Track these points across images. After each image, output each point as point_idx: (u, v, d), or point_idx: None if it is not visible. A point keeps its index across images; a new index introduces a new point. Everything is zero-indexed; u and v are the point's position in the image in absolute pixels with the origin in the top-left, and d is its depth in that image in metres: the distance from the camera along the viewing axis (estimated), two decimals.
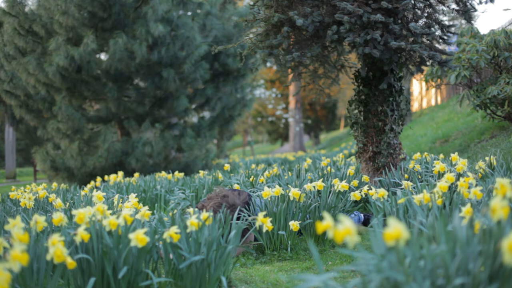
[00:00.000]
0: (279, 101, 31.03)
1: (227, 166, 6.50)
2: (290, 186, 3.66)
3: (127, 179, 6.68)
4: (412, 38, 4.13)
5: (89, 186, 6.23)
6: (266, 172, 5.04)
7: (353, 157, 7.00)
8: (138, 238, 1.97)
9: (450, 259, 1.35)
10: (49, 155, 10.98)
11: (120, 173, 6.63)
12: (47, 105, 11.01)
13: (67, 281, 2.17)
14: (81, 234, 1.98)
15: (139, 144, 10.62)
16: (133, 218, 2.19)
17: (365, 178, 4.25)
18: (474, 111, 7.76)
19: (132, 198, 2.89)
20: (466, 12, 4.41)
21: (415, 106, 19.98)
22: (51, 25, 10.40)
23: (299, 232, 3.37)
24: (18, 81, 10.99)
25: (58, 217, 2.24)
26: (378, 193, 3.03)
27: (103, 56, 11.48)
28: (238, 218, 3.18)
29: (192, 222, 2.17)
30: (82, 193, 4.08)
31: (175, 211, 3.15)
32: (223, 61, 11.81)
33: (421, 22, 4.35)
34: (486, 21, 65.78)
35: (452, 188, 3.01)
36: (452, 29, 4.48)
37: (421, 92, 19.59)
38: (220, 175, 5.68)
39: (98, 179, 6.84)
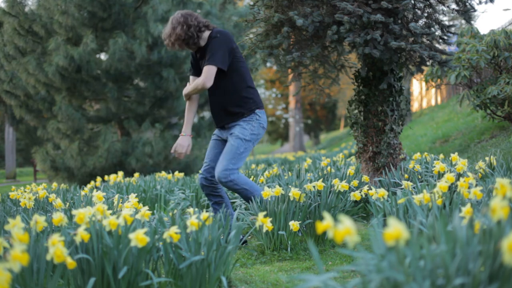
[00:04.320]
0: (279, 101, 31.04)
1: None
2: (290, 186, 3.66)
3: (127, 179, 6.68)
4: (412, 38, 4.13)
5: (89, 186, 6.23)
6: (266, 172, 5.04)
7: (353, 157, 7.00)
8: (138, 238, 1.97)
9: (450, 259, 1.35)
10: (49, 155, 10.98)
11: (120, 173, 6.63)
12: (47, 105, 11.01)
13: (67, 281, 2.17)
14: (81, 234, 1.98)
15: (139, 144, 10.62)
16: (133, 218, 2.19)
17: (365, 178, 4.25)
18: (474, 111, 7.77)
19: (132, 198, 2.89)
20: (466, 12, 4.41)
21: (415, 106, 19.99)
22: (51, 25, 10.40)
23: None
24: (18, 81, 10.99)
25: (58, 217, 2.24)
26: (378, 193, 3.03)
27: (103, 56, 11.48)
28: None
29: (192, 222, 2.17)
30: (82, 193, 4.08)
31: (175, 211, 3.15)
32: None
33: (421, 22, 4.35)
34: (486, 21, 65.81)
35: (452, 188, 3.01)
36: (452, 29, 4.48)
37: (421, 92, 19.59)
38: None
39: (98, 179, 6.84)
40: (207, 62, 3.24)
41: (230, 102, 3.34)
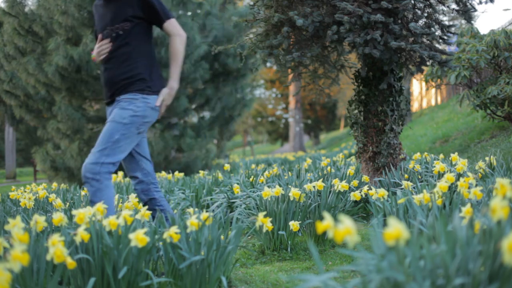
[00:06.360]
0: (279, 101, 31.03)
1: (227, 166, 6.50)
2: (290, 186, 3.66)
3: (127, 179, 6.68)
4: (412, 38, 4.13)
5: None
6: (266, 172, 5.04)
7: (353, 157, 7.00)
8: (138, 238, 1.97)
9: (450, 259, 1.35)
10: (49, 155, 10.98)
11: (120, 173, 6.62)
12: (47, 105, 11.01)
13: (67, 281, 2.17)
14: (81, 234, 1.98)
15: None
16: (133, 218, 2.19)
17: (365, 178, 4.25)
18: (474, 111, 7.76)
19: (132, 198, 2.89)
20: (466, 12, 4.41)
21: (415, 106, 19.98)
22: (50, 25, 10.40)
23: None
24: (18, 81, 10.99)
25: (58, 217, 2.24)
26: (378, 193, 3.03)
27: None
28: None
29: (192, 222, 2.17)
30: (82, 193, 4.08)
31: (175, 211, 3.16)
32: (223, 61, 11.80)
33: (421, 22, 4.35)
34: (486, 21, 65.83)
35: (452, 188, 3.01)
36: (452, 29, 4.47)
37: (421, 92, 19.59)
38: (220, 175, 5.69)
39: None
40: (166, 17, 2.74)
41: (125, 69, 2.73)
